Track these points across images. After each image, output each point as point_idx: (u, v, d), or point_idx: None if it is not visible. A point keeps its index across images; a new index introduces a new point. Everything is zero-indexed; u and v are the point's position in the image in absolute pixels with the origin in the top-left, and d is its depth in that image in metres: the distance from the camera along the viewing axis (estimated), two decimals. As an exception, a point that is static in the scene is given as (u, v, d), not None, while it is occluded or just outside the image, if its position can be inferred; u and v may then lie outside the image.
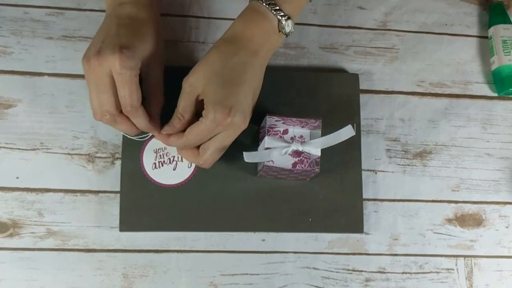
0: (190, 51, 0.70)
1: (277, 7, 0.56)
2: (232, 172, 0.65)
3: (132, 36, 0.56)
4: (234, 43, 0.56)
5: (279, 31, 0.57)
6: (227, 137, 0.57)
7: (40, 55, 0.67)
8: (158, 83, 0.60)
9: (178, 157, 0.65)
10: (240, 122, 0.56)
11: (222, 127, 0.55)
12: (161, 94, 0.60)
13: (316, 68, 0.72)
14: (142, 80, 0.58)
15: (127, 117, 0.57)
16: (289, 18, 0.57)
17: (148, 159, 0.64)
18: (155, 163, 0.64)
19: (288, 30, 0.57)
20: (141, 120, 0.57)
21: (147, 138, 0.64)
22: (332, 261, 0.67)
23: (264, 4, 0.56)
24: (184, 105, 0.56)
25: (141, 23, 0.58)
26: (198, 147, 0.59)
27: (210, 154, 0.58)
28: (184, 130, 0.57)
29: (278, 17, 0.56)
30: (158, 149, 0.65)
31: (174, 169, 0.65)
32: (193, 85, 0.55)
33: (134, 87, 0.55)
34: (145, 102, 0.58)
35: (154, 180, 0.64)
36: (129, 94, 0.54)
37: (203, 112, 0.55)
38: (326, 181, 0.66)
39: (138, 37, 0.56)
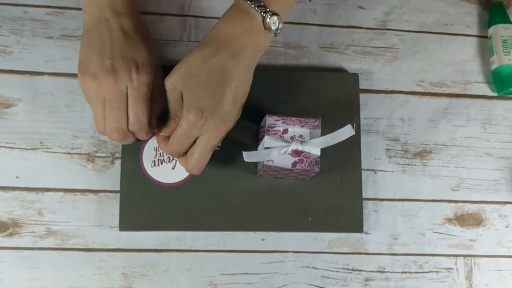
0: (189, 51, 0.69)
1: (261, 3, 0.55)
2: (232, 172, 0.65)
3: (140, 50, 0.56)
4: (215, 42, 0.55)
5: (265, 28, 0.56)
6: (208, 140, 0.56)
7: (40, 54, 0.67)
8: (159, 89, 0.60)
9: (177, 156, 0.65)
10: (216, 125, 0.55)
11: (196, 129, 0.55)
12: (162, 99, 0.60)
13: (316, 67, 0.72)
14: None
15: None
16: (274, 14, 0.55)
17: (147, 156, 0.64)
18: (154, 161, 0.64)
19: (275, 28, 0.56)
20: (145, 135, 0.58)
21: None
22: (332, 261, 0.67)
23: (247, 1, 0.55)
24: (173, 105, 0.56)
25: (141, 35, 0.58)
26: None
27: (196, 159, 0.57)
28: None
29: (262, 13, 0.55)
30: (158, 147, 0.65)
31: (173, 168, 0.65)
32: (173, 84, 0.55)
33: (146, 103, 0.55)
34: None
35: (153, 179, 0.64)
36: (141, 111, 0.55)
37: (181, 116, 0.55)
38: (326, 180, 0.66)
39: (145, 50, 0.57)
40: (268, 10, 0.55)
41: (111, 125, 0.55)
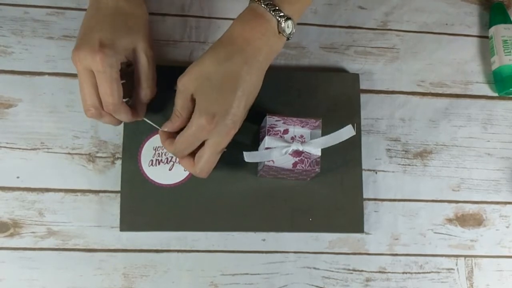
0: (190, 51, 0.70)
1: (276, 8, 0.55)
2: (232, 172, 0.65)
3: (114, 31, 0.55)
4: (229, 45, 0.55)
5: (279, 32, 0.56)
6: (218, 143, 0.56)
7: (41, 54, 0.67)
8: (145, 73, 0.59)
9: (175, 158, 0.65)
10: (227, 128, 0.55)
11: (206, 133, 0.55)
12: (151, 84, 0.60)
13: (316, 68, 0.72)
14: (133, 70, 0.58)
15: None
16: (288, 18, 0.55)
17: (146, 155, 0.64)
18: (152, 160, 0.64)
19: (289, 32, 0.56)
20: (123, 116, 0.57)
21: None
22: (333, 261, 0.67)
23: (262, 5, 0.55)
24: (181, 104, 0.56)
25: (124, 16, 0.57)
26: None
27: (205, 162, 0.57)
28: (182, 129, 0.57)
29: (277, 17, 0.55)
30: (158, 147, 0.65)
31: (170, 170, 0.64)
32: (185, 85, 0.55)
33: (115, 85, 0.54)
34: (133, 91, 0.59)
35: (150, 179, 0.64)
36: (110, 92, 0.54)
37: (191, 117, 0.55)
38: (326, 181, 0.66)
39: (120, 31, 0.56)
40: (283, 14, 0.55)
41: (83, 102, 0.55)
